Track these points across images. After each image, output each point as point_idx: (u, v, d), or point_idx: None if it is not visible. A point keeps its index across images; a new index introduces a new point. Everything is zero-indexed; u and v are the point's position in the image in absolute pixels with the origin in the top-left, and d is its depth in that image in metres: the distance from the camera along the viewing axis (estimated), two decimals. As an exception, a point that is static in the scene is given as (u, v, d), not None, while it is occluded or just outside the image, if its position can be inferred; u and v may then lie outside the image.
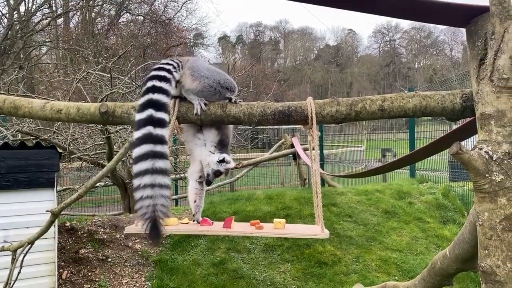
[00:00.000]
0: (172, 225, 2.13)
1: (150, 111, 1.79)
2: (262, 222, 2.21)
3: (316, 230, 2.02)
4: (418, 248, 6.11)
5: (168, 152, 1.84)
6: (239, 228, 2.14)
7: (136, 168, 1.74)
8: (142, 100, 1.84)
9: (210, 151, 2.12)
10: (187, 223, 2.20)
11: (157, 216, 1.71)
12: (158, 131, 1.78)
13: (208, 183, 2.17)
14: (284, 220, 2.10)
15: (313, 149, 2.11)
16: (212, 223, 2.17)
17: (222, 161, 2.09)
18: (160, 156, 1.76)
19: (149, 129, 1.77)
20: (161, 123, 1.80)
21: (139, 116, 1.79)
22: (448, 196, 7.64)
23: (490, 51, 1.63)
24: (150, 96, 1.84)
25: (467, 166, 1.60)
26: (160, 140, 1.77)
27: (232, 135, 2.29)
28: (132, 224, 2.20)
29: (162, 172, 1.75)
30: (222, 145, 2.14)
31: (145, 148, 1.75)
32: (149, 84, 1.88)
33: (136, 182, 1.73)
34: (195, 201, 2.22)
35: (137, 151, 1.75)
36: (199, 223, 2.17)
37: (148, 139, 1.75)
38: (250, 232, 2.10)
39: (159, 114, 1.81)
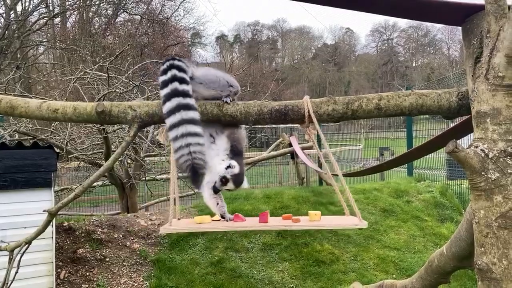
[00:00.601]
0: (206, 223, 2.13)
1: (173, 71, 1.96)
2: (273, 217, 2.22)
3: (354, 221, 2.04)
4: (416, 246, 6.13)
5: (195, 104, 1.95)
6: (276, 222, 2.13)
7: (170, 120, 1.88)
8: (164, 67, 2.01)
9: (222, 160, 2.10)
10: (218, 220, 2.18)
11: (195, 162, 1.85)
12: (184, 86, 1.93)
13: (215, 190, 2.11)
14: (319, 212, 2.11)
15: (323, 147, 2.13)
16: (245, 219, 2.17)
17: (228, 167, 2.06)
18: (190, 107, 1.90)
19: (175, 85, 1.93)
20: (184, 81, 1.95)
21: (163, 78, 1.97)
22: (445, 194, 7.66)
23: (486, 50, 1.63)
24: (171, 62, 2.00)
25: (463, 164, 1.61)
26: (186, 94, 1.92)
27: (245, 140, 2.24)
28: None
29: (194, 122, 1.88)
30: (234, 153, 2.11)
31: (175, 101, 1.89)
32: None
33: (172, 133, 1.87)
34: (217, 204, 2.21)
35: (168, 105, 1.89)
36: (232, 220, 2.16)
37: (175, 94, 1.91)
38: (289, 226, 2.09)
39: (181, 74, 1.97)
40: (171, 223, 2.07)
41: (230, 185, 2.07)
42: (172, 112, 1.89)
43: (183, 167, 1.88)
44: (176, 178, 2.15)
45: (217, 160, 2.10)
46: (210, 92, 2.06)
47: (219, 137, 2.11)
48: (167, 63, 2.00)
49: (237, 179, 2.08)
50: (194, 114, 1.90)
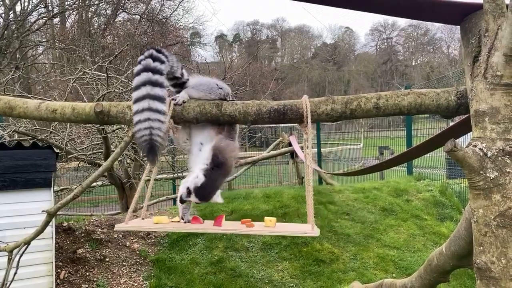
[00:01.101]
0: (163, 223, 2.13)
1: (150, 51, 1.95)
2: (258, 221, 2.21)
3: (306, 228, 2.02)
4: (415, 245, 6.13)
5: (165, 83, 1.94)
6: (229, 226, 2.13)
7: (135, 94, 1.86)
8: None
9: (200, 169, 2.01)
10: (177, 221, 2.17)
11: (153, 139, 1.80)
12: (156, 64, 1.91)
13: (181, 201, 2.03)
14: (274, 219, 2.08)
15: (307, 148, 2.10)
16: (203, 221, 2.12)
17: (196, 178, 1.97)
18: (157, 84, 1.87)
19: (147, 61, 1.91)
20: (157, 59, 1.93)
21: (139, 58, 1.96)
22: (445, 193, 7.66)
23: (484, 49, 1.63)
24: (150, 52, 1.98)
25: (461, 163, 1.61)
26: (157, 71, 1.90)
27: (233, 151, 2.11)
28: (122, 222, 2.21)
29: (159, 98, 1.85)
30: (214, 164, 2.00)
31: (144, 76, 1.87)
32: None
33: (134, 107, 1.84)
34: (183, 207, 2.17)
35: (137, 79, 1.88)
36: (189, 222, 2.13)
37: (146, 69, 1.89)
38: (240, 230, 2.08)
39: (156, 54, 1.96)
40: (127, 221, 2.09)
41: (193, 198, 1.98)
42: (138, 86, 1.88)
43: (140, 142, 1.84)
44: (151, 179, 2.15)
45: (197, 168, 2.02)
46: (199, 94, 2.07)
47: (206, 146, 2.07)
48: (146, 52, 2.00)
49: (201, 193, 1.97)
50: (160, 91, 1.88)
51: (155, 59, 1.93)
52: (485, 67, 1.62)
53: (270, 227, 2.05)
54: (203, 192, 1.97)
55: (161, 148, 1.87)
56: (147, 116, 1.82)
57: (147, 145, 1.80)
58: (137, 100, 1.86)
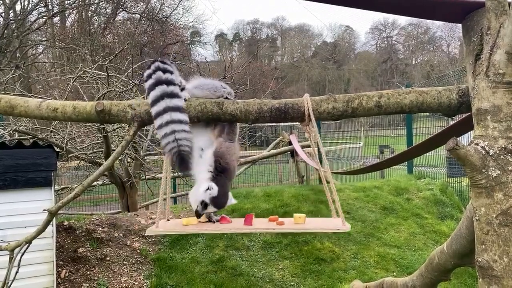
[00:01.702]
0: (193, 224, 2.11)
1: (156, 64, 1.98)
2: (260, 218, 2.21)
3: (337, 223, 2.02)
4: (416, 244, 6.13)
5: (180, 93, 1.97)
6: (260, 225, 2.11)
7: (155, 109, 1.89)
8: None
9: (207, 177, 2.02)
10: (205, 222, 2.14)
11: (182, 150, 1.85)
12: (168, 75, 1.95)
13: (198, 215, 2.04)
14: (304, 215, 2.07)
15: (316, 146, 2.09)
16: (231, 220, 2.13)
17: (207, 189, 1.97)
18: (174, 95, 1.91)
19: (159, 74, 1.94)
20: (167, 70, 1.97)
21: (147, 72, 2.00)
22: (446, 192, 7.66)
23: (486, 47, 1.63)
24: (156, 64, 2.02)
25: (463, 162, 1.60)
26: (170, 82, 1.94)
27: (234, 154, 2.12)
28: (152, 225, 2.19)
29: (179, 109, 1.89)
30: (217, 169, 2.01)
31: (159, 90, 1.90)
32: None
33: (157, 122, 1.88)
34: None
35: (153, 94, 1.91)
36: (218, 221, 2.12)
37: (160, 82, 1.92)
38: (273, 229, 2.07)
39: (164, 65, 1.99)
40: (157, 225, 2.07)
41: (211, 209, 2.00)
42: (156, 100, 1.90)
43: (170, 155, 1.88)
44: (168, 179, 2.14)
45: (202, 176, 2.04)
46: (204, 93, 2.07)
47: (207, 151, 2.06)
48: (152, 66, 2.02)
49: (217, 202, 1.99)
50: (179, 102, 1.90)
51: (164, 70, 1.96)
52: (487, 65, 1.61)
53: (300, 224, 2.05)
54: (220, 201, 2.01)
55: (191, 156, 1.93)
56: (172, 129, 1.85)
57: (178, 156, 1.86)
58: (159, 115, 1.88)
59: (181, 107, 1.90)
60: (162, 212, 2.17)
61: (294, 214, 2.09)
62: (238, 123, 2.19)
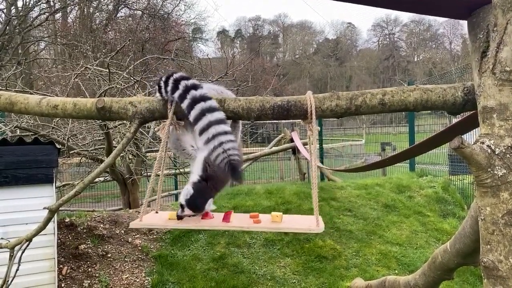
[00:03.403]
0: (173, 219, 2.12)
1: (183, 83, 1.97)
2: (241, 213, 2.21)
3: (311, 223, 2.01)
4: (418, 241, 6.11)
5: (217, 106, 1.99)
6: (237, 222, 2.12)
7: (199, 126, 1.91)
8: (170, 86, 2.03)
9: (190, 181, 2.07)
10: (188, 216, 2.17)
11: (232, 159, 1.87)
12: (200, 91, 1.95)
13: (178, 217, 2.06)
14: (281, 214, 2.08)
15: (312, 144, 2.08)
16: (213, 216, 2.15)
17: (186, 193, 2.02)
18: (213, 109, 1.92)
19: (192, 93, 1.94)
20: (197, 87, 1.97)
21: (178, 93, 1.98)
22: (447, 189, 7.63)
23: (492, 44, 1.60)
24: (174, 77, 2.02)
25: (469, 161, 1.58)
26: (206, 98, 1.94)
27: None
28: (135, 219, 2.20)
29: (221, 121, 1.90)
30: (204, 176, 2.06)
31: (198, 108, 1.91)
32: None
33: (203, 137, 1.90)
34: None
35: (193, 113, 1.92)
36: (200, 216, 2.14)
37: (196, 100, 1.93)
38: (247, 227, 2.09)
39: (191, 82, 1.99)
40: (141, 218, 2.09)
41: (187, 211, 2.03)
42: (198, 118, 1.91)
43: (221, 166, 1.90)
44: (158, 174, 2.16)
45: (190, 178, 2.10)
46: (210, 93, 2.08)
47: (200, 154, 2.08)
48: (170, 80, 2.00)
49: (192, 206, 2.04)
50: (219, 115, 1.92)
51: (195, 87, 1.96)
52: (493, 63, 1.59)
53: (276, 222, 2.04)
54: (194, 205, 2.04)
55: (241, 163, 1.96)
56: (220, 141, 1.87)
57: (229, 166, 1.87)
58: (204, 130, 1.90)
59: (222, 118, 1.92)
60: (147, 206, 2.18)
61: (272, 213, 2.09)
62: (240, 128, 2.20)
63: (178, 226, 2.29)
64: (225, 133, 1.89)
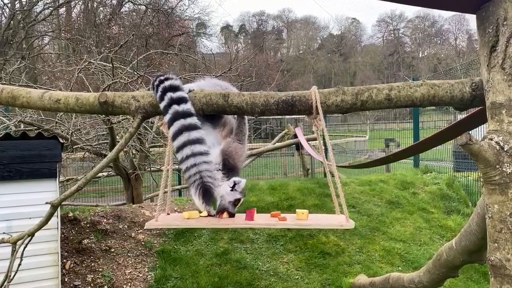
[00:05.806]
0: (194, 218, 2.09)
1: (169, 95, 1.92)
2: (264, 213, 2.18)
3: (341, 220, 2.00)
4: (422, 238, 6.08)
5: (198, 123, 1.95)
6: (262, 221, 2.09)
7: (175, 144, 1.90)
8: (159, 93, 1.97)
9: (219, 178, 2.07)
10: (206, 216, 2.13)
11: (205, 181, 1.87)
12: (183, 106, 1.91)
13: (232, 215, 2.06)
14: (306, 211, 2.06)
15: (323, 140, 2.07)
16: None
17: (234, 186, 2.05)
18: (192, 128, 1.89)
19: (174, 108, 1.90)
20: (182, 100, 1.93)
21: (162, 104, 1.94)
22: (452, 186, 7.59)
23: (502, 38, 1.57)
24: (163, 86, 1.97)
25: (476, 157, 1.55)
26: (187, 114, 1.91)
27: (241, 155, 2.18)
28: (151, 218, 2.18)
29: (198, 141, 1.89)
30: (227, 168, 2.07)
31: (178, 125, 1.89)
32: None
33: (179, 156, 1.90)
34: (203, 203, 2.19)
35: (172, 130, 1.91)
36: (217, 215, 2.11)
37: (177, 116, 1.89)
38: (274, 224, 2.06)
39: (178, 94, 1.93)
40: (157, 218, 2.07)
41: (241, 201, 2.10)
42: (176, 135, 1.90)
43: (193, 187, 1.91)
44: (169, 172, 2.15)
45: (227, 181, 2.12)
46: (212, 89, 2.08)
47: (213, 150, 2.07)
48: (160, 88, 1.96)
49: (244, 193, 2.11)
50: (197, 134, 1.90)
51: (179, 101, 1.91)
52: (503, 57, 1.56)
53: (302, 220, 2.02)
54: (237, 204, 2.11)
55: (215, 186, 1.95)
56: (193, 162, 1.87)
57: (200, 189, 1.88)
58: (179, 149, 1.89)
59: (199, 138, 1.90)
60: (162, 206, 2.16)
61: (297, 210, 2.07)
62: (246, 124, 2.18)
63: (200, 225, 2.28)
64: (200, 154, 1.88)
